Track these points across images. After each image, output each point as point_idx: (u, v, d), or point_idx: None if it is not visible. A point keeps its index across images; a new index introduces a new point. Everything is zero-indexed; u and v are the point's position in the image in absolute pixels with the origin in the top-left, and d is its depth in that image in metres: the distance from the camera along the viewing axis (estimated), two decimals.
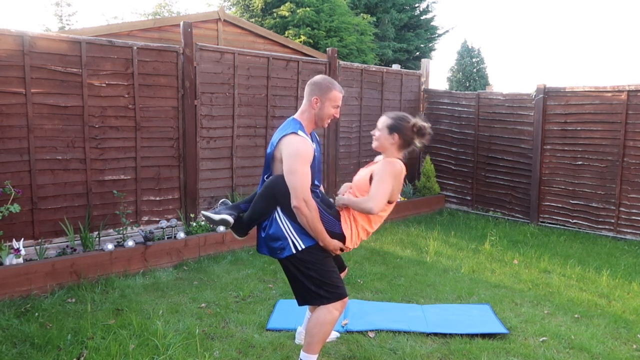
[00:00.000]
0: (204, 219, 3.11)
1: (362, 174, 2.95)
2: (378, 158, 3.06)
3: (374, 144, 2.96)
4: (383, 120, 2.92)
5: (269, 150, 2.89)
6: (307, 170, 2.72)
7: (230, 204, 3.09)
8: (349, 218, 2.87)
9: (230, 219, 2.92)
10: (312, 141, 2.88)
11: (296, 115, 2.92)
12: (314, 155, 2.82)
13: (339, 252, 2.88)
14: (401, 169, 2.85)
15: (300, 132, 2.76)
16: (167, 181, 5.52)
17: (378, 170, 2.81)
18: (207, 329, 3.58)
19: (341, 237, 2.84)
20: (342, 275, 3.06)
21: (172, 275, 4.71)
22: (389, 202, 2.88)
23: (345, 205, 2.86)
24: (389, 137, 2.88)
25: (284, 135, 2.76)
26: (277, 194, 2.76)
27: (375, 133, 2.94)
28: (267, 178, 2.89)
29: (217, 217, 2.91)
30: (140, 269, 4.78)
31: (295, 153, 2.70)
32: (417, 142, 2.92)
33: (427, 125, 2.90)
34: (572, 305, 4.22)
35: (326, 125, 2.94)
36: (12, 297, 4.03)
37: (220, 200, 3.16)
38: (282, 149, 2.75)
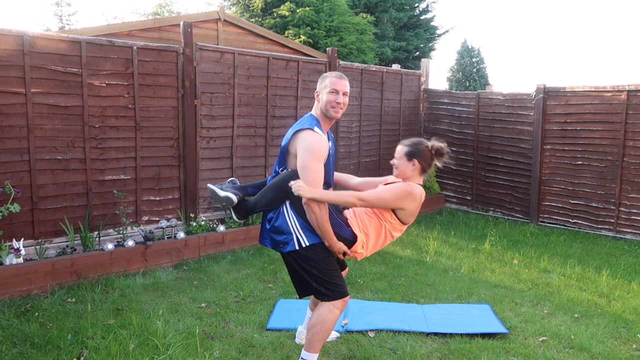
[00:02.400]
0: (208, 192, 3.08)
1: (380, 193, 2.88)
2: (391, 178, 3.03)
3: (395, 173, 2.94)
4: (400, 149, 2.91)
5: (283, 142, 2.89)
6: (321, 168, 2.71)
7: (239, 184, 3.09)
8: (363, 229, 2.89)
9: (235, 198, 2.91)
10: (328, 139, 2.88)
11: (312, 111, 2.93)
12: (329, 154, 2.82)
13: (341, 256, 2.87)
14: (420, 193, 2.85)
15: (316, 129, 2.76)
16: (167, 181, 5.52)
17: (394, 186, 2.84)
18: (207, 329, 3.58)
19: (346, 242, 2.84)
20: (343, 274, 3.06)
21: (172, 275, 4.72)
22: (403, 223, 2.89)
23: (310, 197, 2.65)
24: (408, 164, 2.88)
25: (299, 130, 2.76)
26: (290, 189, 2.76)
27: (394, 162, 2.92)
28: (281, 171, 2.89)
29: (222, 193, 2.91)
30: (140, 268, 4.78)
31: (310, 149, 2.69)
32: (438, 163, 2.93)
33: (443, 145, 2.90)
34: (572, 305, 4.22)
35: (334, 114, 2.83)
36: (12, 297, 4.03)
37: (229, 179, 3.15)
38: (296, 144, 2.75)
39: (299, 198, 2.70)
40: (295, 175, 2.74)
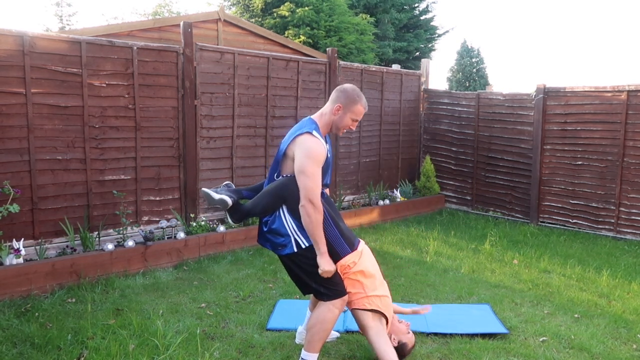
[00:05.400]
0: (203, 195, 3.10)
1: None
2: None
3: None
4: None
5: (281, 147, 2.89)
6: (318, 172, 2.72)
7: (234, 187, 3.10)
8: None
9: (229, 201, 2.92)
10: (326, 142, 2.89)
11: (314, 116, 2.93)
12: (327, 157, 2.83)
13: (320, 271, 2.75)
14: None
15: (315, 133, 2.77)
16: (167, 181, 5.52)
17: None
18: (207, 329, 3.58)
19: (335, 255, 2.83)
20: None
21: (172, 275, 4.71)
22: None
23: None
24: None
25: (299, 134, 2.77)
26: (287, 196, 2.76)
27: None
28: (277, 177, 2.89)
29: (216, 196, 2.92)
30: (140, 269, 4.78)
31: (309, 153, 2.71)
32: None
33: None
34: (572, 305, 4.22)
35: (340, 134, 2.96)
36: (12, 297, 4.03)
37: (225, 182, 3.17)
38: (295, 147, 2.76)
39: (296, 204, 2.71)
40: (292, 182, 2.74)
